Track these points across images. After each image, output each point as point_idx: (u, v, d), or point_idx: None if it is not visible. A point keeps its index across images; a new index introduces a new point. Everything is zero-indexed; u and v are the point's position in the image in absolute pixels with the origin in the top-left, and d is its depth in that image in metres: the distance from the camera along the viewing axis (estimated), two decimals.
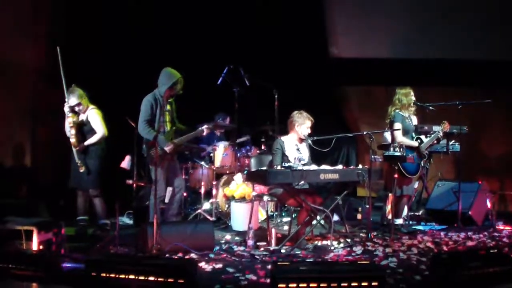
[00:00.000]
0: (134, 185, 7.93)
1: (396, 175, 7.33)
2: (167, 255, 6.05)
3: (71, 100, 7.40)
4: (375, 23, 10.27)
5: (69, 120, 7.40)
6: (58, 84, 7.31)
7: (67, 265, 5.49)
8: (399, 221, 7.87)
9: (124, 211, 8.76)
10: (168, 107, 7.22)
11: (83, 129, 7.59)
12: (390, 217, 7.77)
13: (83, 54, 7.47)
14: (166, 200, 7.44)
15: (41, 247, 5.68)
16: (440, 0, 10.04)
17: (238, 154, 8.94)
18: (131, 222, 8.65)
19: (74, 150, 7.44)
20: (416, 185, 8.38)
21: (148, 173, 7.57)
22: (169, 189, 7.37)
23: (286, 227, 7.96)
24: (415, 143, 7.72)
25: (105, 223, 7.67)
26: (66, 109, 7.41)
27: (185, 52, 9.52)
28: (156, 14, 9.74)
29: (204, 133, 7.47)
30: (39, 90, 8.56)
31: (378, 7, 10.17)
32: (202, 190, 8.69)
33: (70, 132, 7.41)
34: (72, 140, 7.41)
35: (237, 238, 7.43)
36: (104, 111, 7.76)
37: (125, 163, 7.11)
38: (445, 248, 6.70)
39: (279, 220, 8.74)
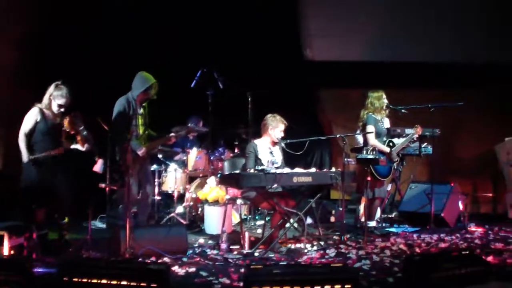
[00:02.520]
0: (107, 188, 7.86)
1: (368, 178, 7.37)
2: (140, 259, 6.00)
3: (62, 99, 6.54)
4: (349, 26, 10.31)
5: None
6: (32, 86, 7.14)
7: (39, 269, 5.44)
8: (372, 224, 7.92)
9: (97, 215, 8.69)
10: (142, 110, 7.17)
11: (58, 133, 6.71)
12: (363, 219, 7.81)
13: (56, 55, 7.36)
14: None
15: (12, 252, 5.62)
16: (413, 3, 10.11)
17: (212, 157, 8.91)
18: (103, 226, 8.59)
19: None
20: (389, 187, 8.43)
21: (121, 177, 7.50)
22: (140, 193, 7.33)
23: (259, 230, 7.97)
24: (386, 149, 7.78)
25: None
26: (60, 108, 6.62)
27: (158, 55, 9.47)
28: (129, 17, 9.66)
29: (171, 141, 7.49)
30: (12, 93, 8.44)
31: (352, 11, 10.19)
32: (175, 194, 8.65)
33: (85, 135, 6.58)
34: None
35: (210, 241, 7.40)
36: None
37: (98, 166, 6.98)
38: (418, 250, 6.75)
39: (252, 224, 8.74)
